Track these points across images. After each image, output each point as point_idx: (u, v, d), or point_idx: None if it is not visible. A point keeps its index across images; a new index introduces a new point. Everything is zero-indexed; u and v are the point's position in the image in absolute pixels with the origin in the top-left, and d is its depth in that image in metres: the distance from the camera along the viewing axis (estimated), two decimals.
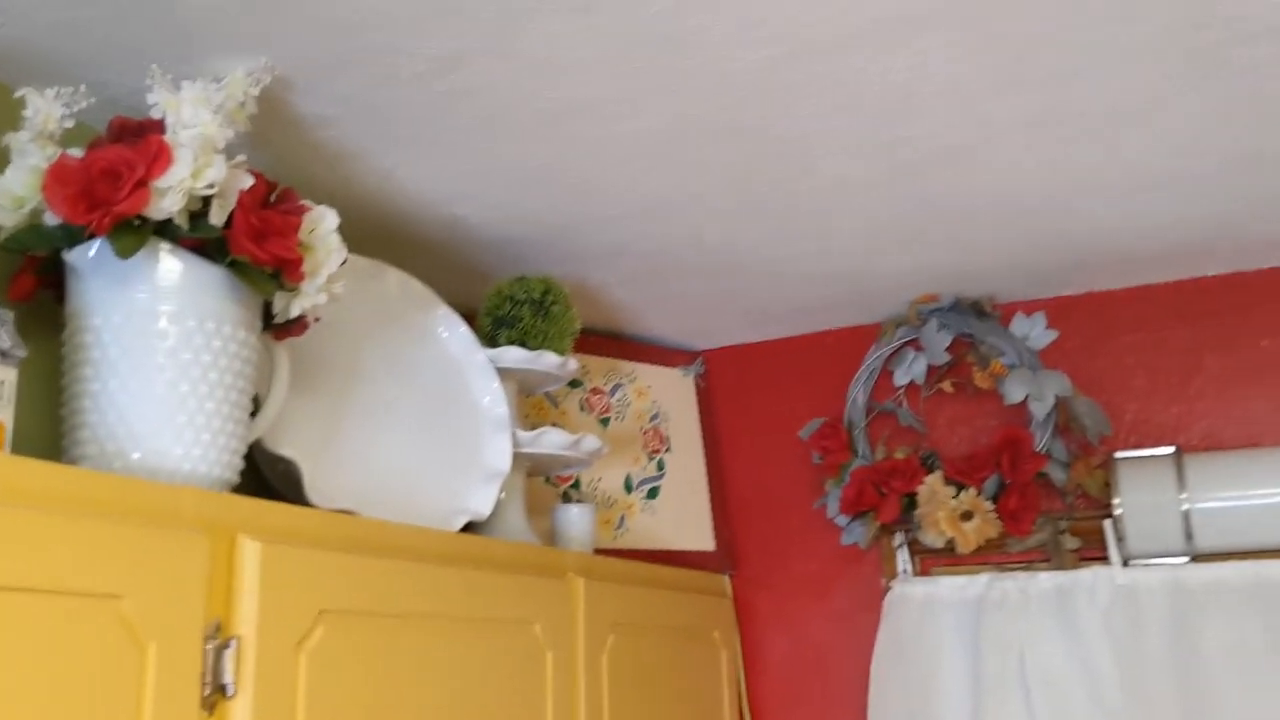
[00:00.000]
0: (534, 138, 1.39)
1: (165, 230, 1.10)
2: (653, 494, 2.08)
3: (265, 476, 1.36)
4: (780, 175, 1.51)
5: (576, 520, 1.75)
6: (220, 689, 1.01)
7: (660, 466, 2.11)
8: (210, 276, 1.13)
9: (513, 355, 1.64)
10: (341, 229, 1.24)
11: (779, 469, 2.19)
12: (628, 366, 2.14)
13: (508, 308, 1.68)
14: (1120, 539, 1.84)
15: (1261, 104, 1.34)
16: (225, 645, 1.01)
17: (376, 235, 1.63)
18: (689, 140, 1.41)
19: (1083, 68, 1.25)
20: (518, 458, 1.63)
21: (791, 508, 2.16)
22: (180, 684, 0.96)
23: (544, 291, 1.68)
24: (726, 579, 2.17)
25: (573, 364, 1.71)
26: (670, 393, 2.18)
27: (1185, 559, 1.83)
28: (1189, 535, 1.80)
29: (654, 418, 2.14)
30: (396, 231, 1.63)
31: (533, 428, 1.65)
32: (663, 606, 1.83)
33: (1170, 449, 1.87)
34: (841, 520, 2.08)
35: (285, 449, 1.27)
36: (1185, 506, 1.80)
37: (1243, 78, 1.28)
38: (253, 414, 1.22)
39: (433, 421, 1.53)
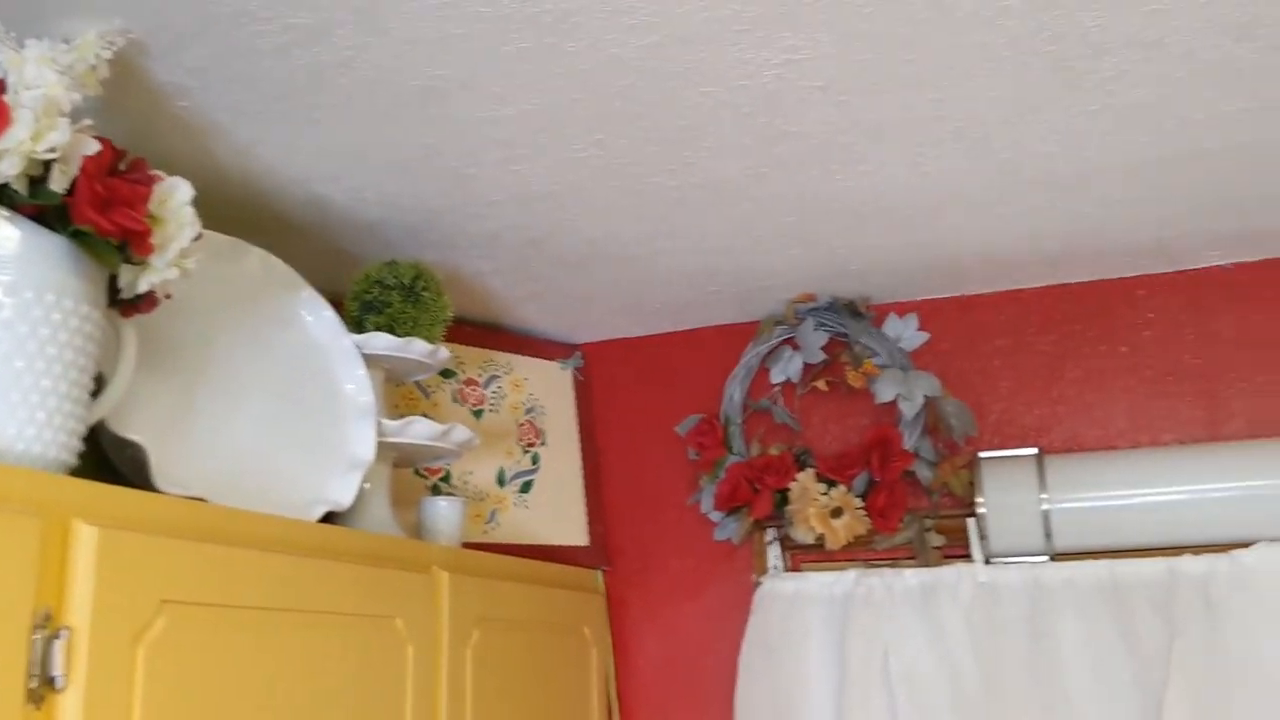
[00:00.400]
0: (406, 117, 1.35)
1: (2, 195, 1.03)
2: (526, 488, 2.06)
3: (113, 462, 1.29)
4: (660, 167, 1.50)
5: (444, 513, 1.71)
6: (49, 682, 0.95)
7: (535, 460, 2.09)
8: (51, 246, 1.06)
9: (380, 342, 1.60)
10: (199, 204, 1.19)
11: (655, 465, 2.18)
12: (503, 358, 2.11)
13: (376, 292, 1.63)
14: (983, 537, 1.88)
15: (1122, 114, 1.38)
16: (55, 636, 0.96)
17: (239, 213, 1.57)
18: (569, 128, 1.39)
19: (952, 72, 1.27)
20: (383, 447, 1.59)
21: (667, 504, 2.16)
22: (3, 676, 0.91)
23: (415, 277, 1.64)
24: (599, 575, 2.15)
25: (443, 353, 1.67)
26: (547, 386, 2.16)
27: (1044, 558, 1.88)
28: (1048, 534, 1.85)
29: (529, 411, 2.11)
30: (260, 210, 1.57)
31: (401, 417, 1.61)
32: (532, 602, 1.81)
33: (1033, 450, 1.91)
34: (715, 516, 2.09)
35: (131, 432, 1.21)
36: (1045, 507, 1.84)
37: (1103, 88, 1.31)
38: (97, 394, 1.16)
39: (293, 408, 1.48)
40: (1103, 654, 1.79)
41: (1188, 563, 1.78)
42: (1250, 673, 1.69)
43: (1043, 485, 1.85)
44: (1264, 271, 1.90)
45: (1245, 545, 1.76)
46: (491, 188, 1.56)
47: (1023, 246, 1.83)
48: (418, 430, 1.59)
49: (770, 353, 2.11)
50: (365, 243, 1.72)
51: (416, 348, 1.62)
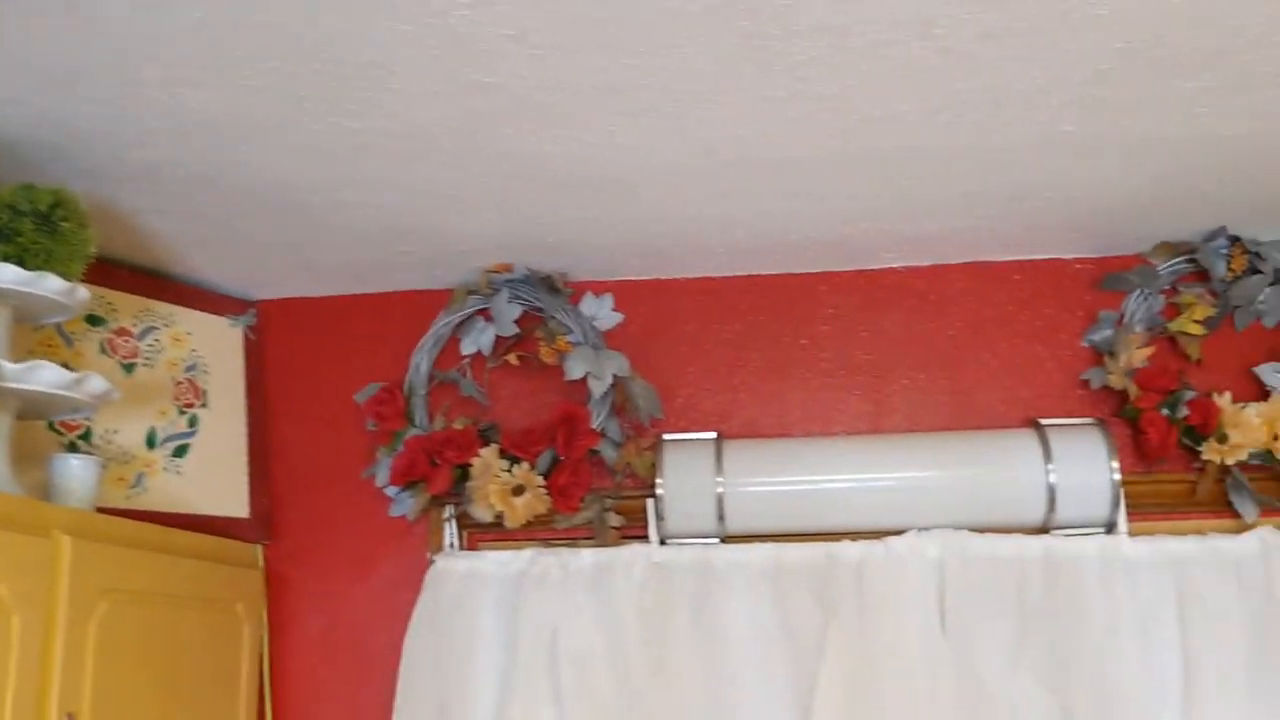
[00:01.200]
0: (51, 21, 1.17)
1: None
2: (180, 452, 1.87)
3: None
4: (344, 107, 1.39)
5: (76, 473, 1.53)
6: None
7: (192, 423, 1.91)
8: None
9: (7, 274, 1.40)
10: None
11: (330, 435, 2.05)
12: (164, 309, 1.91)
13: (6, 218, 1.43)
14: (660, 518, 1.89)
15: (810, 104, 1.41)
16: None
17: None
18: (240, 50, 1.25)
19: (649, 39, 1.24)
20: (3, 393, 1.39)
21: (340, 477, 2.04)
22: None
23: (53, 205, 1.45)
24: (259, 549, 2.00)
25: (82, 293, 1.49)
26: (213, 343, 1.98)
27: (716, 540, 1.91)
28: (721, 517, 1.88)
29: (190, 368, 1.93)
30: None
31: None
32: (174, 575, 1.64)
33: (712, 435, 1.94)
34: (391, 491, 1.99)
35: None
36: (720, 490, 1.87)
37: (794, 73, 1.33)
38: None
39: None
40: (764, 635, 1.83)
41: (845, 548, 1.86)
42: (896, 652, 1.78)
43: (719, 469, 1.88)
44: (930, 275, 2.01)
45: (899, 533, 1.86)
46: (150, 112, 1.40)
47: (714, 233, 1.85)
48: (43, 377, 1.40)
49: (462, 323, 2.03)
50: (2, 162, 1.50)
51: (49, 284, 1.43)
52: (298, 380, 2.08)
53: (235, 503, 1.95)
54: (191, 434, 1.90)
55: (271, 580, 2.01)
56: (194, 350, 1.94)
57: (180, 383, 1.91)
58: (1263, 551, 1.78)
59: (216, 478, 1.92)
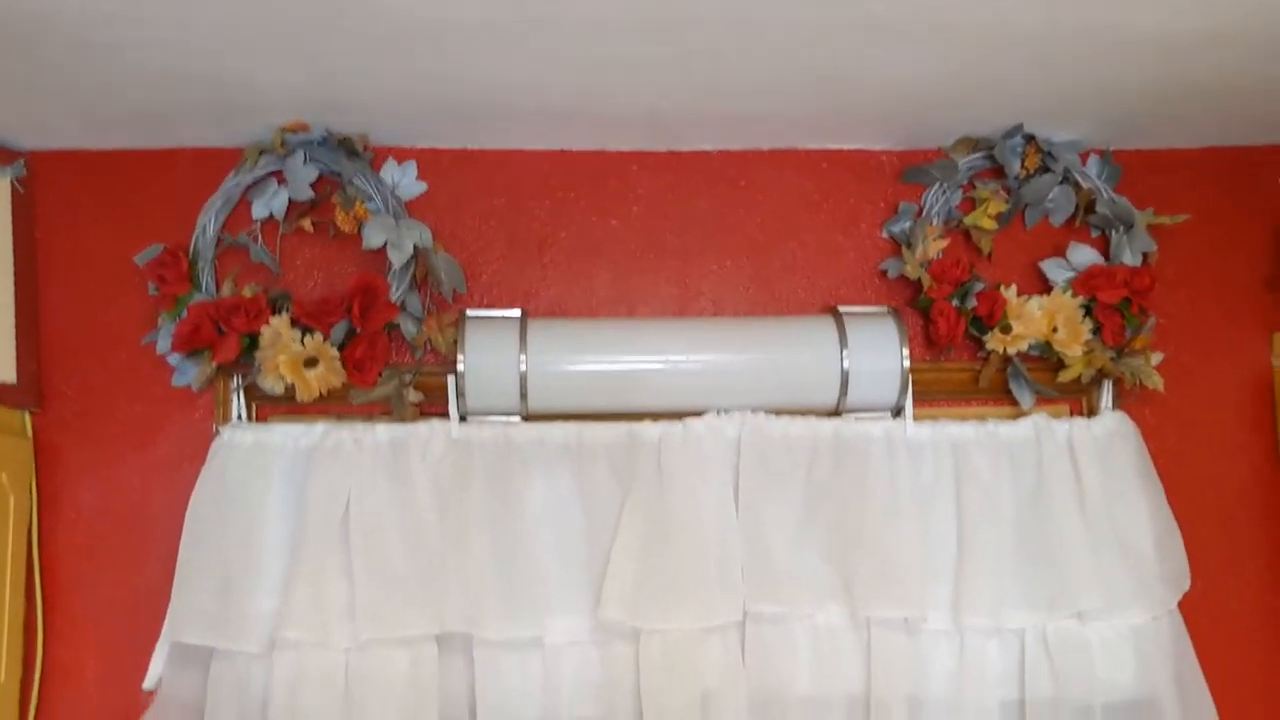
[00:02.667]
0: None
1: None
2: None
3: None
4: None
5: None
6: None
7: None
8: None
9: None
10: None
11: (108, 298, 1.92)
12: None
13: None
14: (460, 395, 1.85)
15: None
16: None
17: None
18: None
19: None
20: None
21: (118, 343, 1.91)
22: None
23: None
24: (26, 416, 1.87)
25: None
26: None
27: (518, 418, 1.88)
28: (524, 395, 1.85)
29: None
30: None
31: None
32: None
33: (517, 312, 1.91)
34: (175, 360, 1.88)
35: None
36: (523, 368, 1.84)
37: None
38: None
39: None
40: (563, 509, 1.83)
41: (646, 428, 1.86)
42: (690, 525, 1.81)
43: (523, 347, 1.85)
44: (741, 161, 2.01)
45: (699, 414, 1.87)
46: None
47: (524, 100, 1.79)
48: None
49: (253, 185, 1.92)
50: None
51: None
52: (72, 238, 1.93)
53: (1, 366, 1.81)
54: None
55: (41, 450, 1.88)
56: None
57: None
58: (1035, 436, 1.88)
59: None
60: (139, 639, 1.83)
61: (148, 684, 1.79)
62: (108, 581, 1.87)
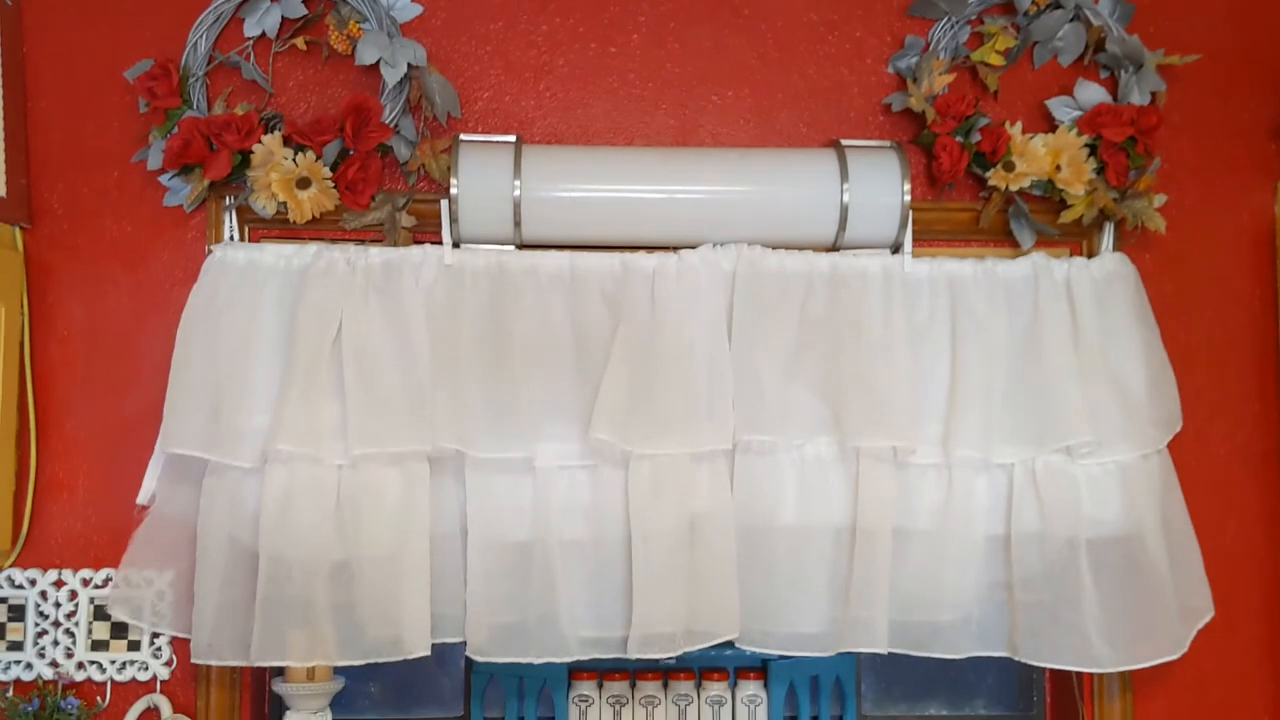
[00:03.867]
0: None
1: None
2: None
3: None
4: None
5: None
6: None
7: None
8: None
9: None
10: None
11: (99, 114, 1.89)
12: None
13: None
14: (454, 221, 1.83)
15: None
16: None
17: None
18: None
19: None
20: None
21: (109, 161, 1.89)
22: None
23: None
24: (17, 231, 1.85)
25: None
26: None
27: (511, 247, 1.87)
28: (518, 223, 1.83)
29: None
30: None
31: None
32: None
33: (512, 138, 1.88)
34: (165, 178, 1.86)
35: None
36: (517, 194, 1.82)
37: None
38: None
39: None
40: (555, 337, 1.82)
41: (641, 259, 1.85)
42: (681, 355, 1.80)
43: (517, 173, 1.82)
44: None
45: (694, 247, 1.86)
46: None
47: None
48: None
49: (245, 1, 1.87)
50: None
51: None
52: (63, 52, 1.89)
53: None
54: None
55: (32, 268, 1.87)
56: None
57: None
58: (1034, 275, 1.87)
59: None
60: (132, 457, 1.85)
61: (141, 499, 1.81)
62: (101, 400, 1.87)
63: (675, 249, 1.85)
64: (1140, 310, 1.88)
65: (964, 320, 1.85)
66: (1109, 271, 1.88)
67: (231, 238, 1.86)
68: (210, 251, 1.83)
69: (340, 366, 1.77)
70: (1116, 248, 1.92)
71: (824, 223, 1.86)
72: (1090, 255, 1.93)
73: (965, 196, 1.95)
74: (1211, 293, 1.99)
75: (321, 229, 1.87)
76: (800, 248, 1.87)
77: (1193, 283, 1.98)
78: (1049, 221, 1.91)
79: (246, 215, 1.86)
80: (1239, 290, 1.99)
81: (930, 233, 1.93)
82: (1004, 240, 1.94)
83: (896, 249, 1.88)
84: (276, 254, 1.82)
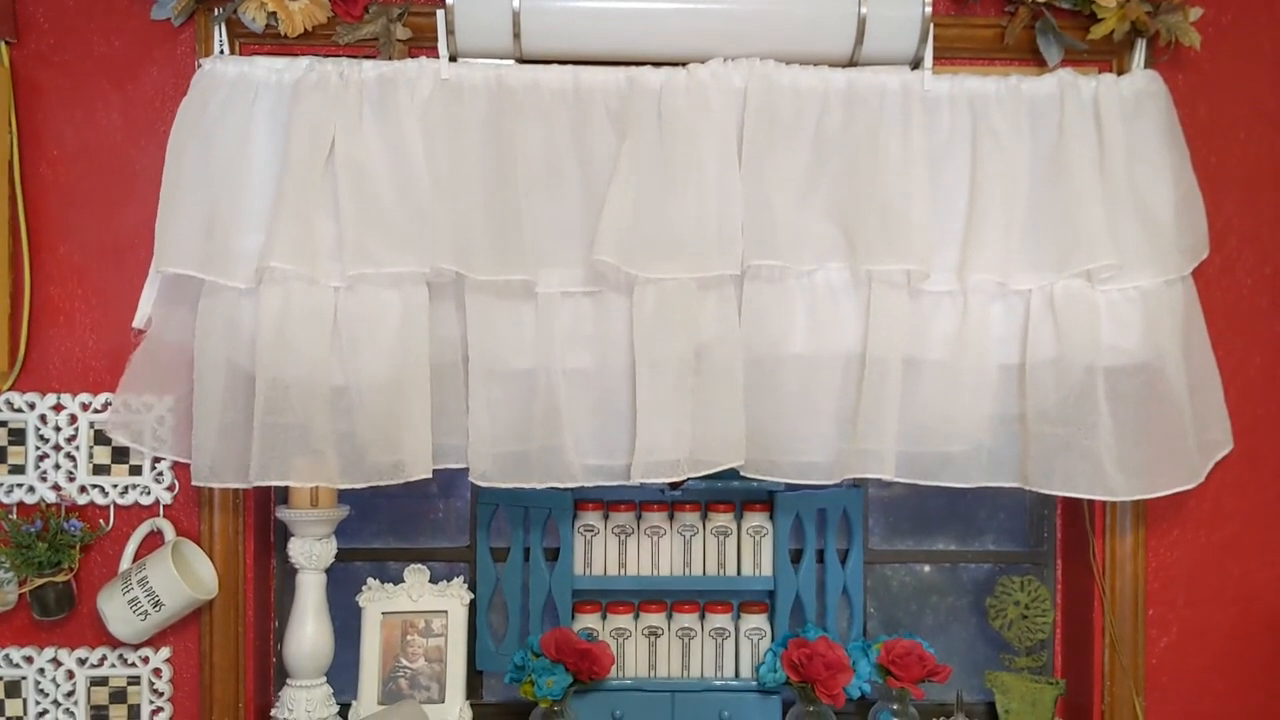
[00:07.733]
0: None
1: None
2: None
3: None
4: None
5: None
6: None
7: None
8: None
9: None
10: None
11: None
12: None
13: None
14: (450, 33, 1.75)
15: None
16: None
17: None
18: None
19: None
20: None
21: None
22: None
23: None
24: (3, 46, 1.78)
25: None
26: None
27: (511, 61, 1.79)
28: (517, 35, 1.75)
29: None
30: None
31: None
32: None
33: None
34: None
35: None
36: (516, 4, 1.73)
37: None
38: None
39: None
40: (557, 155, 1.76)
41: (647, 73, 1.77)
42: (690, 176, 1.73)
43: None
44: None
45: (703, 61, 1.77)
46: None
47: None
48: None
49: None
50: None
51: None
52: None
53: None
54: None
55: (20, 85, 1.81)
56: None
57: None
58: (1059, 93, 1.77)
59: None
60: (128, 280, 1.82)
61: (137, 322, 1.78)
62: (94, 222, 1.83)
63: (684, 64, 1.77)
64: (1170, 132, 1.79)
65: (985, 140, 1.77)
66: (1139, 90, 1.78)
67: (221, 52, 1.79)
68: (200, 66, 1.76)
69: (332, 182, 1.71)
70: (1148, 66, 1.82)
71: (840, 36, 1.77)
72: (1120, 74, 1.83)
73: (990, 12, 1.85)
74: (1246, 117, 1.89)
75: (314, 44, 1.80)
76: (815, 63, 1.78)
77: (1227, 105, 1.89)
78: (1079, 37, 1.81)
79: (236, 29, 1.79)
80: (1275, 115, 1.89)
81: (952, 50, 1.84)
82: (1029, 59, 1.85)
83: (916, 65, 1.79)
84: (268, 67, 1.75)
